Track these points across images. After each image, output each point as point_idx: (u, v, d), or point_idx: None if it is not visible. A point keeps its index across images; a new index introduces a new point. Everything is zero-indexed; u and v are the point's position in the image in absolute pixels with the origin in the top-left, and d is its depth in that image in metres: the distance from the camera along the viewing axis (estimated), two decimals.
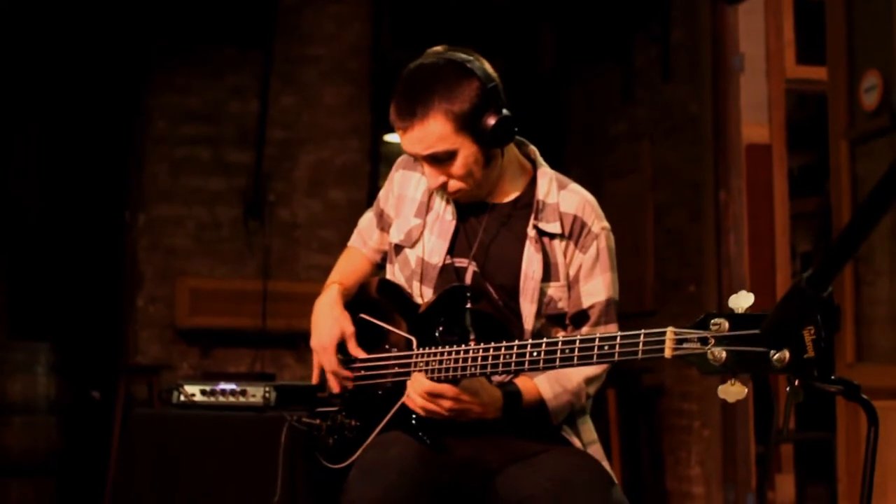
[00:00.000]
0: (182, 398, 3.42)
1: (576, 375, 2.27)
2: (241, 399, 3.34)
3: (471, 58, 2.26)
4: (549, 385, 2.25)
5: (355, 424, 2.32)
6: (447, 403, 2.12)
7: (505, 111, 2.23)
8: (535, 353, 2.04)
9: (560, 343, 2.02)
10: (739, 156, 5.86)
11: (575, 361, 1.99)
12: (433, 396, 2.12)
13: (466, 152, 2.22)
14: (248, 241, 6.89)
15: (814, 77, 6.07)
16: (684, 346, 1.82)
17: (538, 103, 7.22)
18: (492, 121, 2.21)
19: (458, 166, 2.23)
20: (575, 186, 2.39)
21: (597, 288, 2.32)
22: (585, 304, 2.31)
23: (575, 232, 2.32)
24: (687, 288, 5.96)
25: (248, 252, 6.88)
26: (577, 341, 1.99)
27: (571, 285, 2.32)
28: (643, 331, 1.89)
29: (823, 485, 5.73)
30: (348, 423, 2.33)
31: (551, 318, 2.31)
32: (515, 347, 2.07)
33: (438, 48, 2.30)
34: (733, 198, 5.79)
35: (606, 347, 1.94)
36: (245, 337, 6.69)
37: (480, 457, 2.22)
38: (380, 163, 7.07)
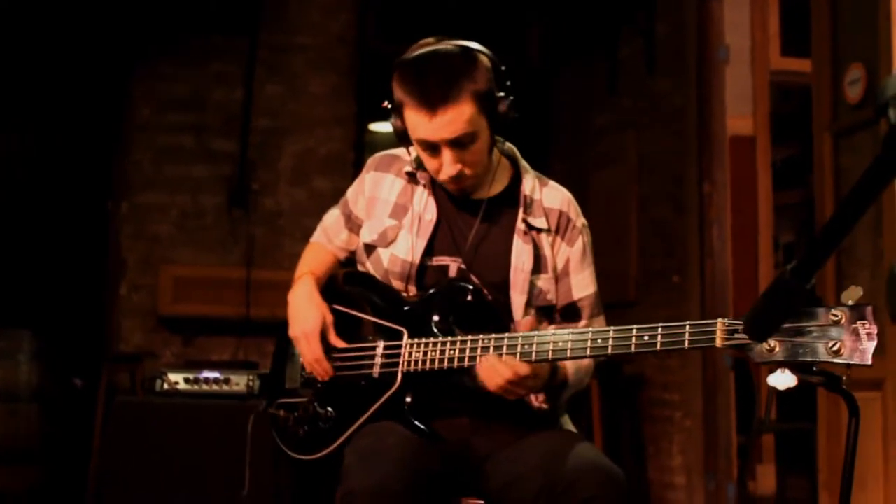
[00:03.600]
0: (165, 386, 3.43)
1: (586, 360, 2.29)
2: (225, 387, 3.36)
3: (474, 43, 2.29)
4: (572, 365, 2.27)
5: (331, 415, 2.31)
6: (531, 382, 2.12)
7: (512, 96, 2.27)
8: (560, 343, 2.06)
9: (591, 332, 2.05)
10: (724, 148, 5.87)
11: (609, 352, 2.02)
12: (523, 378, 2.10)
13: (483, 136, 2.25)
14: (231, 230, 6.88)
15: (798, 69, 6.09)
16: (736, 336, 1.86)
17: (524, 95, 7.21)
18: (505, 101, 2.25)
19: (475, 150, 2.25)
20: (554, 184, 2.44)
21: (585, 281, 2.37)
22: (575, 296, 2.35)
23: (561, 227, 2.37)
24: (670, 279, 5.98)
25: (232, 240, 6.86)
26: (611, 331, 2.02)
27: (560, 278, 2.34)
28: (688, 322, 1.92)
29: (804, 475, 5.76)
30: (322, 414, 2.32)
31: (540, 311, 2.33)
32: (536, 337, 2.09)
33: (430, 39, 2.29)
34: (717, 189, 5.80)
35: (647, 338, 1.97)
36: (228, 325, 6.67)
37: (471, 444, 2.25)
38: (364, 152, 7.06)
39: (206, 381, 3.39)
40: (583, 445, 2.18)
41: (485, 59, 2.26)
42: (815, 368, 1.82)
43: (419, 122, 2.22)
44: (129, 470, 3.56)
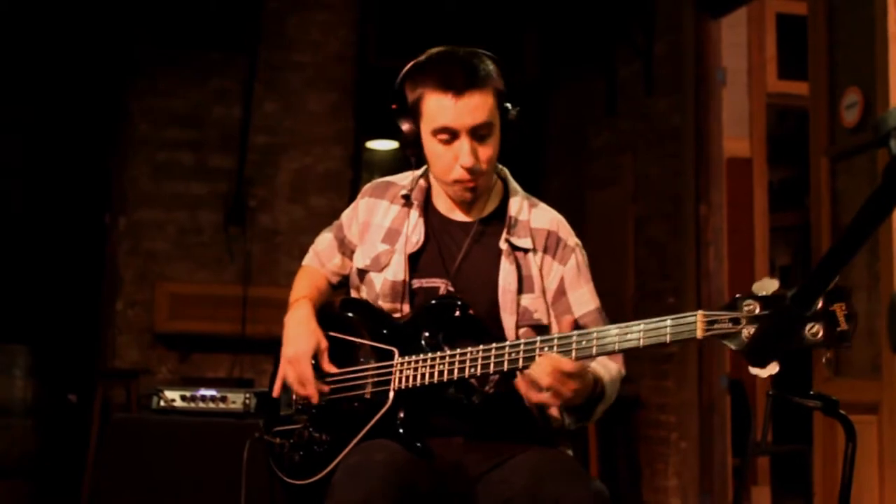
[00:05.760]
0: (162, 403, 3.43)
1: (614, 365, 2.27)
2: (222, 405, 3.35)
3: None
4: (607, 376, 2.22)
5: (325, 439, 2.32)
6: (573, 384, 2.07)
7: (518, 107, 2.32)
8: (545, 349, 2.06)
9: (575, 336, 2.05)
10: (720, 169, 5.89)
11: (594, 353, 2.03)
12: (567, 376, 2.05)
13: (497, 135, 2.28)
14: (228, 247, 6.88)
15: (795, 92, 6.12)
16: (715, 327, 1.88)
17: (520, 113, 7.23)
18: (514, 109, 2.31)
19: (490, 146, 2.27)
20: (544, 206, 2.45)
21: (584, 298, 2.36)
22: (577, 313, 2.33)
23: (551, 246, 2.36)
24: (666, 300, 5.98)
25: (229, 257, 6.86)
26: (595, 332, 2.03)
27: (556, 297, 2.34)
28: (669, 316, 1.94)
29: (799, 497, 5.76)
30: (317, 438, 2.32)
31: (532, 330, 2.33)
32: (522, 345, 2.09)
33: (439, 48, 2.32)
34: (714, 211, 5.81)
35: (630, 336, 1.98)
36: (224, 342, 6.66)
37: (464, 463, 2.24)
38: (362, 170, 7.07)
39: (203, 398, 3.39)
40: (568, 464, 2.19)
41: (499, 65, 2.31)
42: (812, 392, 1.83)
43: (443, 106, 2.23)
44: (124, 487, 3.55)
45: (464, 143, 2.24)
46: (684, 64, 5.94)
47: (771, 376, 1.79)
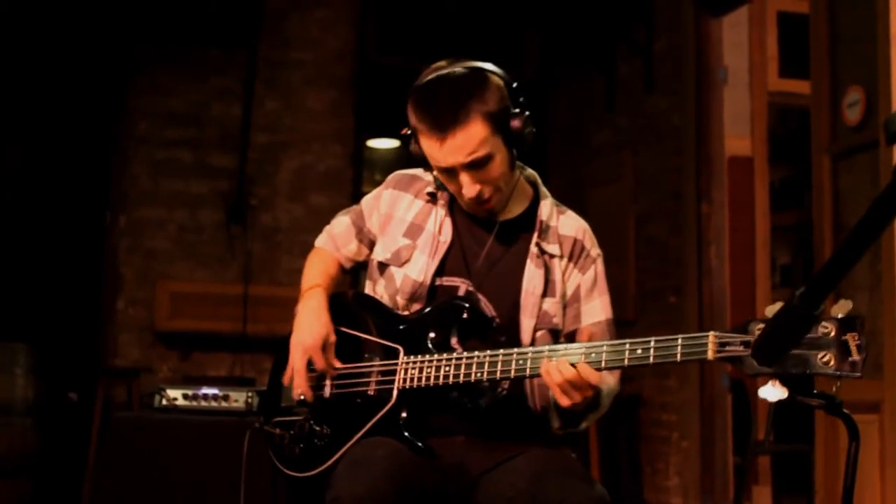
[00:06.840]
0: (164, 402, 3.43)
1: (612, 378, 2.28)
2: (224, 404, 3.35)
3: (486, 63, 2.28)
4: (605, 387, 2.23)
5: (326, 432, 2.31)
6: (589, 393, 2.08)
7: (527, 112, 2.27)
8: (553, 359, 2.06)
9: (585, 347, 2.05)
10: (722, 168, 5.88)
11: (602, 366, 2.02)
12: (589, 386, 2.05)
13: (500, 155, 2.24)
14: (229, 245, 6.87)
15: (796, 91, 6.12)
16: (727, 349, 1.88)
17: (528, 119, 7.21)
18: (519, 120, 2.25)
19: (493, 170, 2.24)
20: (572, 213, 2.45)
21: (596, 309, 2.37)
22: (585, 321, 2.35)
23: (575, 254, 2.38)
24: (667, 298, 5.98)
25: (230, 256, 6.86)
26: (605, 346, 2.03)
27: (569, 303, 2.35)
28: (680, 335, 1.93)
29: (800, 497, 5.75)
30: (319, 431, 2.32)
31: (546, 333, 2.33)
32: (530, 353, 2.09)
33: (443, 62, 2.29)
34: (715, 210, 5.81)
35: (640, 351, 1.97)
36: (225, 341, 6.66)
37: (465, 462, 2.24)
38: (363, 168, 7.07)
39: (205, 397, 3.39)
40: (570, 465, 2.20)
41: (495, 79, 2.25)
42: (815, 391, 1.83)
43: (432, 148, 2.22)
44: (125, 485, 3.55)
45: (462, 177, 2.24)
46: (684, 62, 5.94)
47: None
